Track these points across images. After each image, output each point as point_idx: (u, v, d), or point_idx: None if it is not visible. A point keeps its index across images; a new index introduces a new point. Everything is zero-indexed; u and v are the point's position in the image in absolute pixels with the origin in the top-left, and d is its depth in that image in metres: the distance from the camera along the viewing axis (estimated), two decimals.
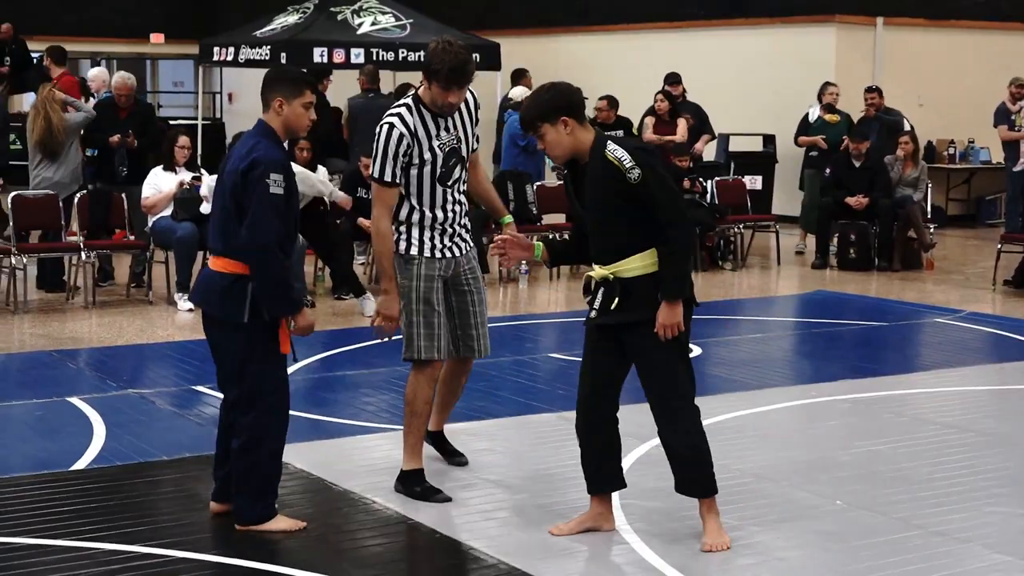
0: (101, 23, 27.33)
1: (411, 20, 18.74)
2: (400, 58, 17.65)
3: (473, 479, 6.70)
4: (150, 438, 7.37)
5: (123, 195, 12.26)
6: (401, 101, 6.37)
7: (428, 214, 6.33)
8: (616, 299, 5.56)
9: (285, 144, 5.88)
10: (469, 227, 6.57)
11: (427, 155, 6.22)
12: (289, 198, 5.60)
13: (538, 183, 14.27)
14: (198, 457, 6.96)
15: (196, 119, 22.14)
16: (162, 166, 11.84)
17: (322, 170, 12.67)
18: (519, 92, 14.81)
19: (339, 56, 18.01)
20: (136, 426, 7.62)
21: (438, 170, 6.28)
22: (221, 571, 5.30)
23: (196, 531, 5.78)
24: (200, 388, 8.56)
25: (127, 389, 8.56)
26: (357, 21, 18.52)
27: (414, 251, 6.32)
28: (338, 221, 12.32)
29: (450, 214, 6.40)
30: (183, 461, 6.90)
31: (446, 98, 6.20)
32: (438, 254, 6.36)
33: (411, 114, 6.24)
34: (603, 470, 5.80)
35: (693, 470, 5.62)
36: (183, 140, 11.94)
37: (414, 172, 6.24)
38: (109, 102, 13.17)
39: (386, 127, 6.20)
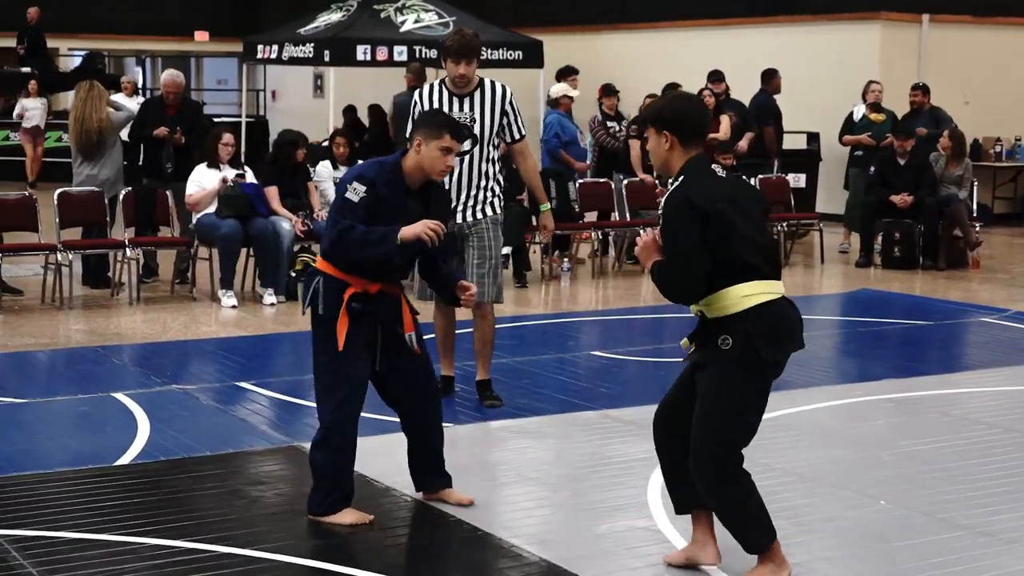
0: (146, 22, 27.52)
1: (454, 18, 18.76)
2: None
3: (515, 476, 6.70)
4: (194, 434, 7.41)
5: (168, 192, 12.32)
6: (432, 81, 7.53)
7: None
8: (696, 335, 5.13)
9: (413, 184, 5.84)
10: (486, 201, 7.63)
11: None
12: (370, 207, 5.65)
13: (580, 181, 14.24)
14: (241, 453, 6.99)
15: (240, 116, 22.24)
16: (206, 163, 11.89)
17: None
18: (558, 89, 14.78)
19: (382, 54, 18.06)
20: (179, 422, 7.66)
21: None
22: (263, 567, 5.32)
23: (239, 527, 5.79)
24: (243, 384, 8.60)
25: (171, 385, 8.60)
26: (400, 19, 18.57)
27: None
28: None
29: (462, 181, 7.52)
30: (226, 457, 6.92)
31: (456, 70, 7.31)
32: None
33: (432, 91, 7.46)
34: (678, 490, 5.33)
35: (727, 526, 5.15)
36: (227, 137, 11.99)
37: None
38: (157, 100, 13.24)
39: (414, 99, 7.50)
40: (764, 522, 5.06)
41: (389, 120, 16.36)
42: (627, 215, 14.39)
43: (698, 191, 4.83)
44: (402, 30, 18.43)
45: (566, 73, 16.17)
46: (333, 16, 19.16)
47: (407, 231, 5.56)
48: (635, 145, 14.45)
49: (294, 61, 19.46)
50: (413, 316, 5.87)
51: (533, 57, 19.12)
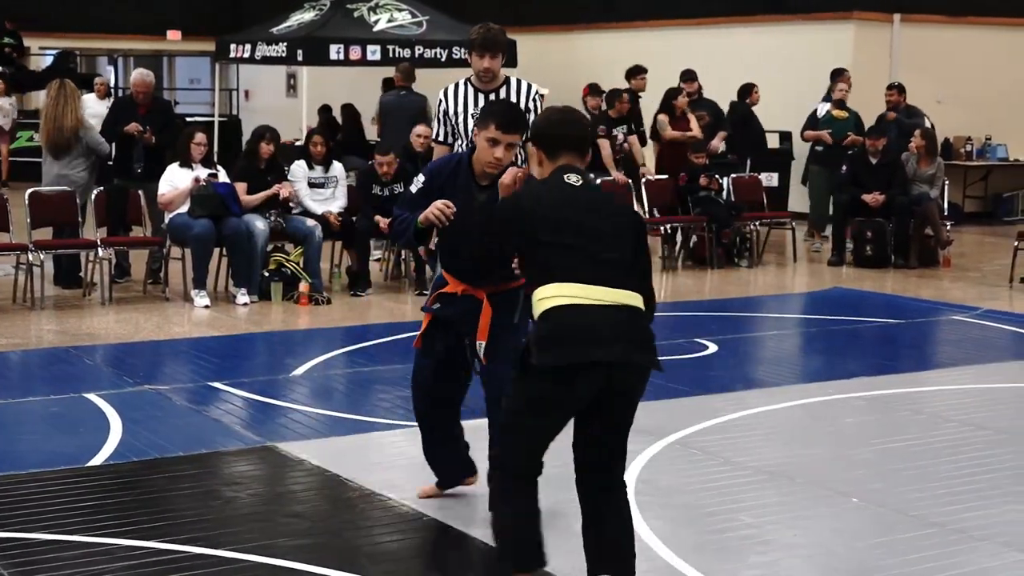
0: (118, 20, 27.40)
1: (427, 17, 18.75)
2: (416, 55, 17.65)
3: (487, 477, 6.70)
4: (167, 434, 7.38)
5: (140, 192, 12.28)
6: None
7: None
8: None
9: (482, 178, 5.70)
10: None
11: (459, 119, 7.06)
12: (431, 198, 5.58)
13: None
14: (215, 453, 6.98)
15: (213, 116, 22.18)
16: (179, 163, 11.85)
17: (338, 166, 12.69)
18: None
19: (355, 53, 18.03)
20: (153, 422, 7.63)
21: (470, 135, 6.98)
22: (238, 567, 5.31)
23: (214, 527, 5.78)
24: (216, 384, 8.58)
25: (144, 385, 8.57)
26: (373, 18, 18.54)
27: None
28: (354, 218, 12.34)
29: None
30: (200, 457, 6.91)
31: (480, 64, 7.08)
32: None
33: (458, 87, 7.19)
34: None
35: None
36: (200, 137, 11.95)
37: (452, 139, 7.13)
38: (128, 99, 13.19)
39: (439, 96, 7.25)
40: (520, 550, 4.93)
41: (374, 119, 16.34)
42: None
43: (529, 194, 4.94)
44: (375, 29, 18.40)
45: (635, 72, 16.20)
46: (306, 16, 19.13)
47: (421, 215, 5.49)
48: (604, 144, 14.48)
49: (267, 60, 19.41)
50: (494, 325, 5.61)
51: (507, 57, 19.10)
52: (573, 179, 4.82)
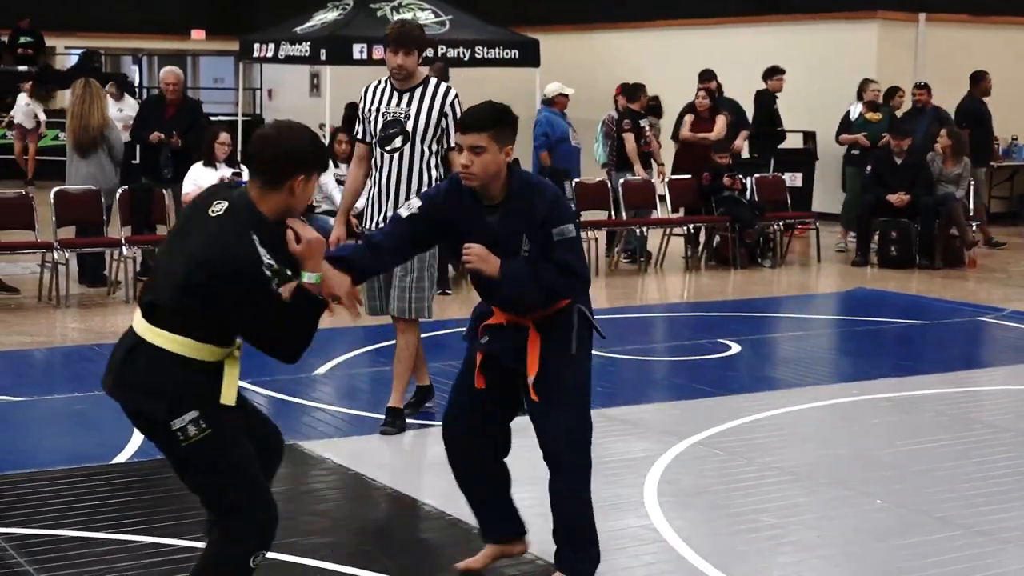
0: (143, 20, 27.48)
1: (450, 16, 18.75)
2: (439, 54, 17.64)
3: (511, 475, 6.69)
4: None
5: (165, 191, 12.31)
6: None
7: (374, 173, 7.27)
8: None
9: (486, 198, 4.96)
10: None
11: (371, 117, 7.17)
12: (430, 223, 4.99)
13: (576, 179, 14.23)
14: None
15: (236, 115, 22.22)
16: (203, 162, 11.88)
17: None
18: (553, 88, 14.77)
19: (379, 53, 18.00)
20: None
21: (378, 132, 7.14)
22: (261, 564, 5.30)
23: None
24: (240, 383, 8.55)
25: None
26: (396, 17, 18.52)
27: (361, 205, 7.45)
28: None
29: (391, 179, 7.17)
30: None
31: (393, 60, 7.08)
32: (377, 216, 7.19)
33: (377, 84, 7.26)
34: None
35: None
36: (224, 136, 11.98)
37: (371, 138, 7.19)
38: (157, 98, 13.23)
39: (361, 91, 7.28)
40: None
41: None
42: (623, 214, 14.38)
43: None
44: None
45: (772, 73, 16.21)
46: (329, 15, 19.15)
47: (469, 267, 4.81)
48: (629, 139, 14.45)
49: (290, 60, 19.45)
50: (544, 359, 4.88)
51: (530, 56, 19.12)
52: (218, 209, 4.13)
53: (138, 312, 4.18)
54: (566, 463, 5.02)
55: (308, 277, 4.11)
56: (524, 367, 4.88)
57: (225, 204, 4.08)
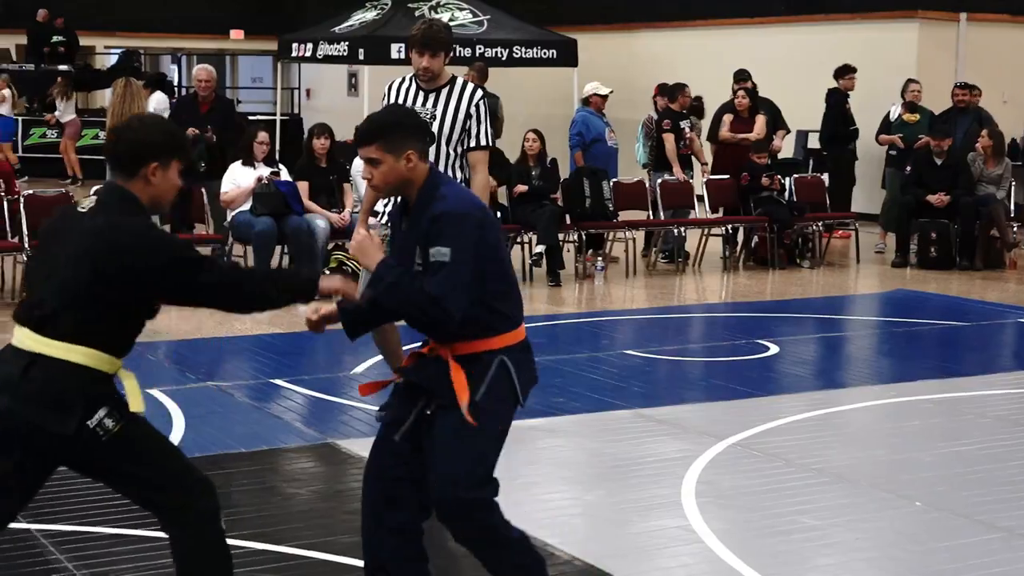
0: (182, 20, 27.62)
1: (488, 16, 18.75)
2: (477, 54, 17.64)
3: (548, 475, 6.69)
4: (228, 430, 7.43)
5: (202, 189, 12.36)
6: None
7: None
8: None
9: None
10: None
11: None
12: None
13: (614, 179, 14.21)
14: (275, 450, 7.00)
15: (274, 115, 22.30)
16: (241, 161, 11.93)
17: None
18: (590, 87, 14.73)
19: None
20: (215, 418, 7.68)
21: None
22: (298, 563, 5.32)
23: (274, 523, 5.81)
24: (278, 381, 8.61)
25: (206, 382, 8.63)
26: (434, 17, 18.54)
27: (378, 209, 7.15)
28: None
29: None
30: (261, 454, 6.94)
31: (419, 63, 6.91)
32: (385, 219, 6.98)
33: (403, 83, 7.07)
34: None
35: None
36: (262, 136, 12.03)
37: None
38: (190, 97, 13.30)
39: (384, 91, 7.11)
40: None
41: None
42: (661, 213, 14.36)
43: None
44: None
45: (844, 72, 16.16)
46: (367, 15, 19.18)
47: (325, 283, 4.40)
48: (668, 139, 14.42)
49: (328, 59, 19.49)
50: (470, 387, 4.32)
51: (567, 56, 19.09)
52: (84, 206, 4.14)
53: (23, 330, 4.02)
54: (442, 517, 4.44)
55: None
56: (438, 394, 4.34)
57: (93, 199, 4.13)
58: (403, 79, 7.13)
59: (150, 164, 4.09)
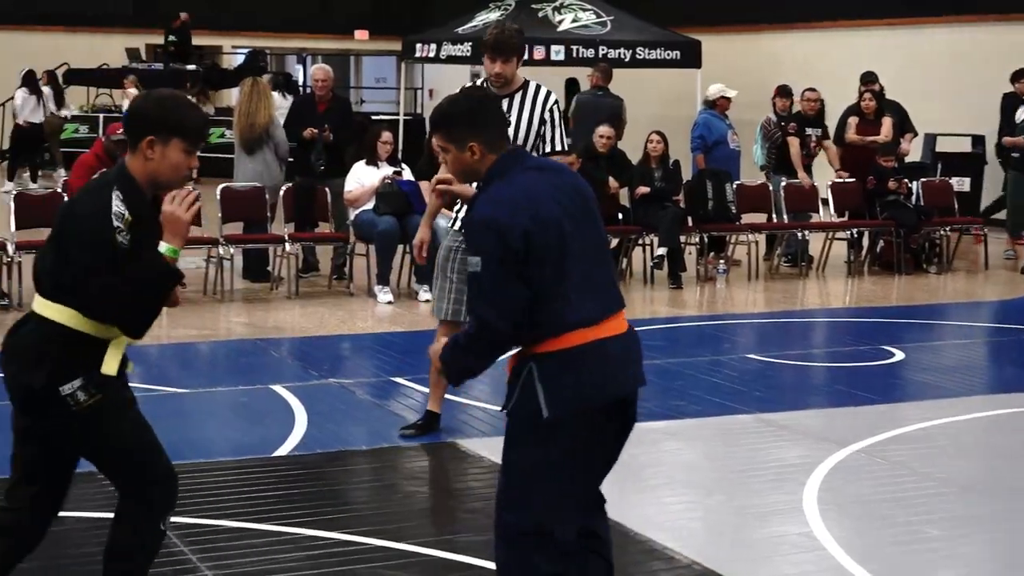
0: (308, 20, 27.95)
1: (611, 17, 18.72)
2: (600, 55, 17.62)
3: (667, 478, 6.66)
4: (350, 427, 7.50)
5: (326, 188, 12.48)
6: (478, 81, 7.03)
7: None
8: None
9: None
10: None
11: None
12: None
13: (737, 182, 14.10)
14: (396, 448, 7.05)
15: (398, 115, 22.47)
16: (365, 161, 12.03)
17: None
18: (716, 89, 14.60)
19: (539, 53, 18.09)
20: (336, 415, 7.75)
21: None
22: (417, 560, 5.35)
23: (394, 520, 5.85)
24: (399, 379, 8.66)
25: (328, 378, 8.71)
26: (558, 18, 18.58)
27: (443, 224, 7.12)
28: None
29: None
30: (382, 451, 6.99)
31: (492, 68, 6.80)
32: (457, 225, 6.85)
33: (475, 89, 6.78)
34: None
35: None
36: (386, 135, 12.12)
37: None
38: (308, 97, 13.45)
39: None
40: None
41: (569, 115, 16.30)
42: (784, 216, 14.22)
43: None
44: (559, 29, 18.44)
45: (1021, 75, 16.02)
46: (491, 15, 19.26)
47: None
48: (793, 143, 14.26)
49: (452, 60, 19.60)
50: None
51: (691, 57, 18.99)
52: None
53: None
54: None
55: (163, 247, 4.11)
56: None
57: (104, 172, 4.27)
58: (473, 84, 7.06)
59: (145, 138, 4.11)
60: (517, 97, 6.89)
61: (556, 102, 6.97)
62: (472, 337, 4.01)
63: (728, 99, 14.50)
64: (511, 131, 6.76)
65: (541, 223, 3.94)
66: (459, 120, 4.15)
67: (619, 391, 4.06)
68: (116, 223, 4.00)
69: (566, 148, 7.05)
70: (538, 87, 6.99)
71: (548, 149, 6.93)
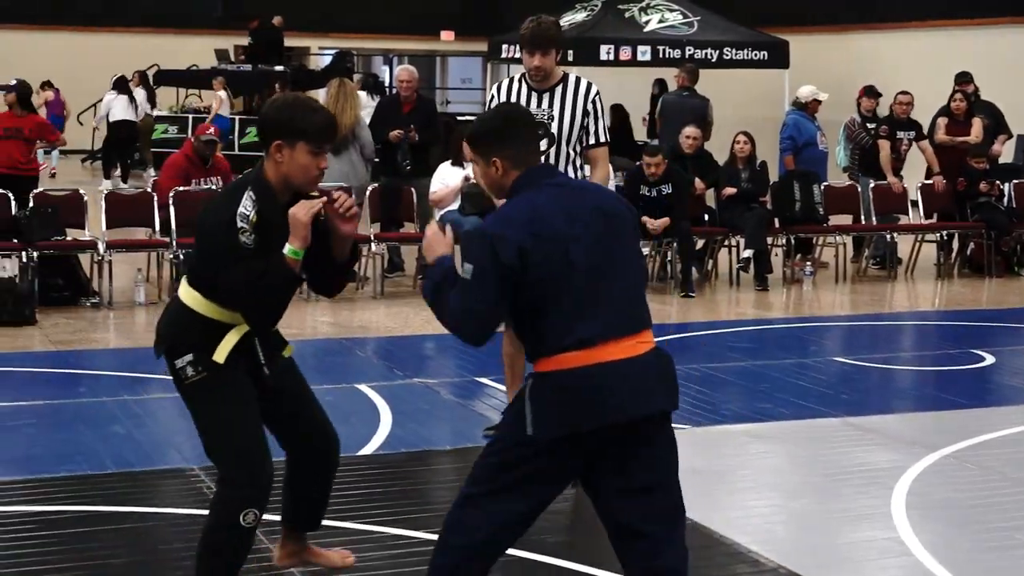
0: (394, 21, 28.11)
1: (698, 17, 18.63)
2: (687, 55, 17.54)
3: (752, 481, 6.61)
4: (434, 427, 7.52)
5: (411, 188, 12.53)
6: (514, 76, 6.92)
7: None
8: None
9: None
10: None
11: None
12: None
13: (825, 183, 13.96)
14: (480, 447, 7.02)
15: None
16: (450, 161, 12.06)
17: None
18: (809, 91, 14.43)
19: (625, 54, 18.05)
20: (421, 415, 7.78)
21: None
22: (502, 561, 5.33)
23: None
24: (483, 379, 8.67)
25: (412, 378, 8.74)
26: (644, 19, 18.52)
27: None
28: None
29: None
30: (465, 451, 6.99)
31: (530, 63, 6.71)
32: None
33: (513, 83, 6.86)
34: None
35: None
36: None
37: None
38: (392, 98, 13.50)
39: (491, 93, 6.93)
40: None
41: (656, 117, 16.28)
42: (873, 218, 14.06)
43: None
44: (646, 30, 18.38)
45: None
46: (577, 16, 19.23)
47: None
48: (884, 146, 14.10)
49: None
50: None
51: (778, 57, 18.85)
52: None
53: None
54: None
55: (286, 248, 4.27)
56: None
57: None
58: (511, 79, 6.92)
59: (273, 142, 4.31)
60: (558, 91, 6.79)
61: (598, 93, 6.86)
62: (443, 315, 3.98)
63: (819, 102, 14.34)
64: (555, 127, 6.71)
65: (541, 239, 3.88)
66: (484, 137, 4.17)
67: (620, 416, 3.89)
68: (241, 223, 4.22)
69: (608, 139, 6.95)
70: (578, 79, 6.87)
71: (592, 141, 6.82)
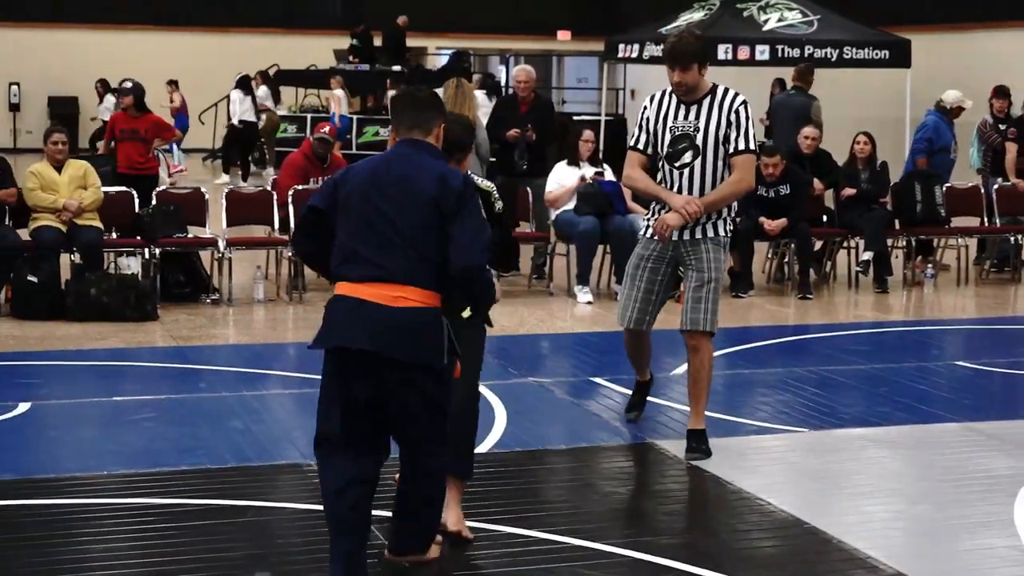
0: (510, 21, 28.18)
1: (818, 16, 18.42)
2: (806, 54, 17.36)
3: (871, 487, 6.52)
4: (548, 426, 7.52)
5: (527, 188, 12.55)
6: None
7: None
8: None
9: None
10: (708, 220, 6.86)
11: (659, 132, 6.89)
12: None
13: (947, 184, 13.72)
14: (594, 447, 7.05)
15: (599, 115, 22.48)
16: (566, 161, 12.06)
17: None
18: (956, 97, 14.06)
19: (744, 53, 17.90)
20: (535, 414, 7.79)
21: (666, 148, 6.86)
22: (615, 561, 5.34)
23: (591, 520, 5.85)
24: (597, 379, 8.66)
25: (527, 377, 8.75)
26: (763, 17, 18.35)
27: (641, 228, 7.17)
28: (737, 219, 12.22)
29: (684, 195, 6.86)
30: (580, 450, 7.00)
31: (671, 78, 6.84)
32: (649, 232, 6.96)
33: (663, 96, 6.97)
34: None
35: None
36: (587, 135, 12.13)
37: (651, 148, 6.94)
38: (510, 98, 13.53)
39: (643, 103, 7.04)
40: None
41: (762, 119, 16.14)
42: (996, 220, 13.79)
43: None
44: (764, 29, 18.22)
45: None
46: (695, 15, 19.13)
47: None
48: (1011, 148, 13.82)
49: (654, 60, 19.47)
50: None
51: (900, 57, 18.57)
52: None
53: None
54: None
55: None
56: None
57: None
58: (664, 92, 6.99)
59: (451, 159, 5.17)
60: (705, 104, 6.86)
61: (743, 103, 6.87)
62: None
63: (963, 109, 14.04)
64: (700, 137, 6.82)
65: (346, 183, 4.96)
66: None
67: (336, 342, 4.85)
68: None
69: (749, 148, 6.86)
70: (726, 91, 6.91)
71: (732, 149, 6.82)
